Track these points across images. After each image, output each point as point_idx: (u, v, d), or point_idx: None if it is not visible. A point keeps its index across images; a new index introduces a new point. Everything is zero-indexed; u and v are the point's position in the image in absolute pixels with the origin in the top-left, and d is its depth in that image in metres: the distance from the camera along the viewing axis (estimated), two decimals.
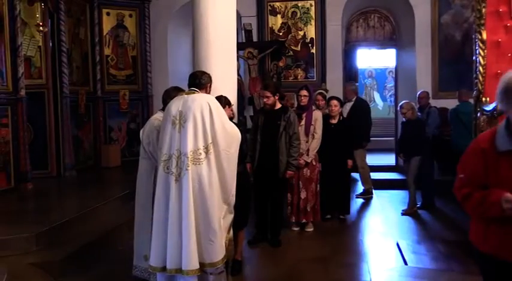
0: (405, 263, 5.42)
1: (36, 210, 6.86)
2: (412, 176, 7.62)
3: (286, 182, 6.22)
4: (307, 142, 6.47)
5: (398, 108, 8.08)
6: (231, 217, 4.22)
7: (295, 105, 7.23)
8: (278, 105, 6.00)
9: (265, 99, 5.99)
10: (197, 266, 3.82)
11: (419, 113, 7.87)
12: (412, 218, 7.39)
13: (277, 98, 5.92)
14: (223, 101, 4.75)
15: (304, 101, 6.51)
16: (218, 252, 3.92)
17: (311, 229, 6.59)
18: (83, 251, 5.40)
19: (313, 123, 6.49)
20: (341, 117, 7.01)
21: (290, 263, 5.48)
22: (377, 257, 5.78)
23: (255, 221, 6.07)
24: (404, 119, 7.72)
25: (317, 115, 6.59)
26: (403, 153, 7.83)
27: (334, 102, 6.93)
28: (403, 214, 7.58)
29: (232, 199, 4.18)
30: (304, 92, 6.52)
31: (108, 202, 6.96)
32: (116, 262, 5.36)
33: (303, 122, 6.47)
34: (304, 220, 6.53)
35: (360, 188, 8.81)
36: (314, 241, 6.28)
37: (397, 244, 6.01)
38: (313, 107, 6.70)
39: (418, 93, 8.42)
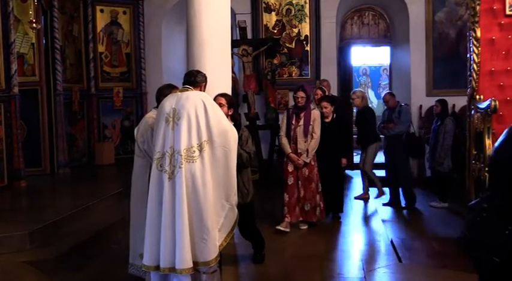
0: (399, 260, 5.43)
1: (29, 208, 6.83)
2: (369, 165, 7.99)
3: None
4: (305, 141, 6.42)
5: (351, 93, 8.41)
6: (234, 216, 4.15)
7: (289, 103, 7.15)
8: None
9: None
10: (190, 264, 3.80)
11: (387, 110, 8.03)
12: (408, 215, 7.42)
13: (230, 113, 4.90)
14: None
15: (302, 102, 6.43)
16: (211, 251, 3.90)
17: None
18: (76, 250, 5.37)
19: (311, 123, 6.42)
20: (334, 115, 6.94)
21: (284, 260, 5.49)
22: (371, 255, 5.80)
23: None
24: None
25: (315, 115, 6.51)
26: (359, 143, 8.14)
27: (325, 104, 6.83)
28: (356, 198, 8.19)
29: (235, 198, 4.13)
30: (301, 94, 6.43)
31: (102, 199, 6.93)
32: (110, 260, 5.35)
33: (301, 122, 6.42)
34: (300, 218, 6.47)
35: (354, 186, 8.82)
36: (308, 239, 6.28)
37: (391, 241, 6.02)
38: (312, 107, 6.62)
39: (382, 96, 8.49)
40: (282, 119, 6.75)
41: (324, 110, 6.80)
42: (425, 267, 5.24)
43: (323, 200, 6.62)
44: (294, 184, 6.44)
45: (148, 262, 3.91)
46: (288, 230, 6.38)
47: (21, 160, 7.70)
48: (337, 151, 6.89)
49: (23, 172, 7.74)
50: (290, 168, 6.48)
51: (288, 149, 6.46)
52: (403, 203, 7.83)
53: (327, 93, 7.49)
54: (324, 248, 5.89)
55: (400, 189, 7.90)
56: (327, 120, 6.84)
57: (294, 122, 6.49)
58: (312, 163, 6.48)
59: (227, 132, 4.04)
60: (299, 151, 6.41)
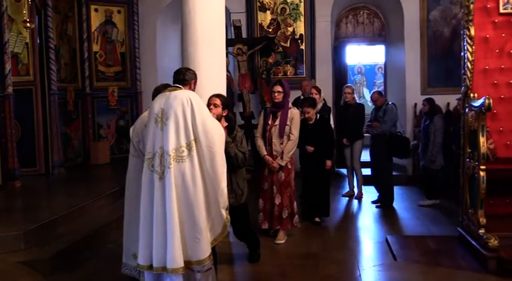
0: (394, 258, 5.44)
1: (24, 208, 6.80)
2: (357, 160, 8.20)
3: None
4: (281, 143, 5.98)
5: (344, 87, 8.52)
6: (221, 220, 4.09)
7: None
8: (224, 124, 4.91)
9: (211, 107, 4.77)
10: (181, 264, 3.81)
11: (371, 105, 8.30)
12: (402, 214, 7.43)
13: (224, 114, 4.90)
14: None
15: (279, 97, 5.97)
16: (204, 250, 3.91)
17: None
18: (71, 249, 5.37)
19: (288, 123, 5.97)
20: (317, 115, 6.77)
21: (280, 259, 5.50)
22: (366, 253, 5.81)
23: None
24: (343, 101, 8.33)
25: (293, 114, 6.05)
26: (346, 138, 8.15)
27: (307, 109, 6.58)
28: (354, 197, 8.36)
29: (222, 200, 4.06)
30: (278, 88, 5.97)
31: (97, 199, 6.92)
32: (105, 259, 5.35)
33: (277, 122, 5.99)
34: (278, 227, 6.03)
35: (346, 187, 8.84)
36: (304, 238, 6.29)
37: (386, 240, 6.03)
38: (290, 105, 6.18)
39: (370, 95, 8.52)
40: (259, 119, 6.34)
41: (307, 115, 6.57)
42: (419, 265, 5.24)
43: (295, 206, 6.16)
44: (269, 189, 6.05)
45: (142, 261, 3.93)
46: (285, 238, 6.10)
47: (15, 160, 7.66)
48: (322, 153, 6.67)
49: (17, 172, 7.71)
50: (266, 172, 6.08)
51: (263, 151, 6.03)
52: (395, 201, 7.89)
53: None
54: (319, 246, 5.90)
55: (377, 187, 8.01)
56: (310, 122, 6.65)
57: (270, 122, 6.07)
58: (289, 166, 6.03)
59: (212, 133, 4.00)
60: (274, 153, 5.97)
